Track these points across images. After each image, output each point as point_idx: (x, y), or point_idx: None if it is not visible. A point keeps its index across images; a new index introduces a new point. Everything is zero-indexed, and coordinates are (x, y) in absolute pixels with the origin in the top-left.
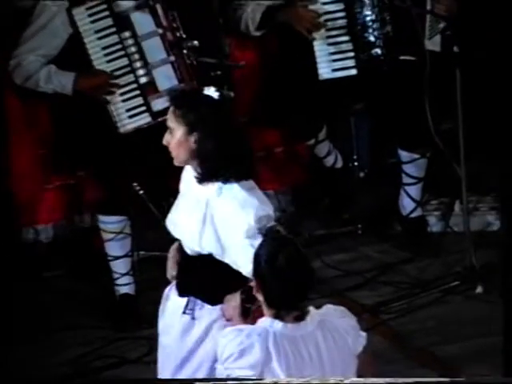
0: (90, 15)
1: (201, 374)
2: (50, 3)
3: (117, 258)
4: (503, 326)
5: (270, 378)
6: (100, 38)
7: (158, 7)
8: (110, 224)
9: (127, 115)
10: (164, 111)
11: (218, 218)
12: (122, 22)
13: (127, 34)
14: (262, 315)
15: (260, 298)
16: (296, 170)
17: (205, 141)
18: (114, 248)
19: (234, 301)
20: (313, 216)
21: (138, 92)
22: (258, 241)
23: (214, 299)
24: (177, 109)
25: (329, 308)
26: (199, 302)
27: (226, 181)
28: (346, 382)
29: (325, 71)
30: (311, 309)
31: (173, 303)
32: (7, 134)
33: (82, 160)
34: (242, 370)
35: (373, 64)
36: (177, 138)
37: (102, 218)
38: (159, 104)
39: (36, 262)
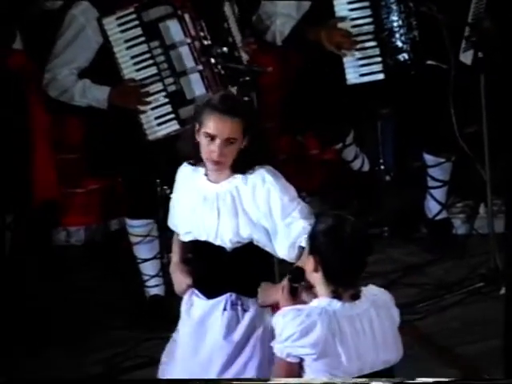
0: (120, 25)
1: (252, 368)
2: (77, 14)
3: (145, 260)
4: (504, 326)
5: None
6: (129, 48)
7: (187, 16)
8: (137, 228)
9: (156, 123)
10: None
11: (248, 204)
12: (151, 32)
13: (156, 43)
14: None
15: (317, 276)
16: (324, 173)
17: (254, 139)
18: (142, 251)
19: (282, 283)
20: None
21: (166, 100)
22: (294, 220)
23: (253, 290)
24: (241, 120)
25: (374, 288)
26: (237, 295)
27: (253, 169)
28: (348, 381)
29: (352, 76)
30: (362, 288)
31: (202, 307)
32: (35, 137)
33: (113, 165)
34: (303, 348)
35: (400, 69)
36: (238, 145)
37: (129, 221)
38: (187, 112)
39: (68, 263)
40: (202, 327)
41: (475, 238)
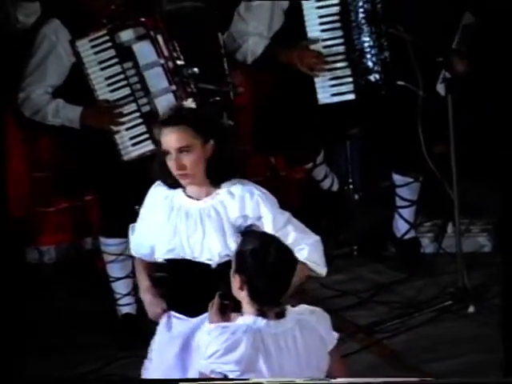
0: (93, 46)
1: None
2: (48, 33)
3: (118, 279)
4: (503, 326)
5: (254, 376)
6: (103, 69)
7: (159, 38)
8: (112, 246)
9: (131, 143)
10: None
11: (236, 217)
12: (125, 53)
13: (129, 64)
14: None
15: (242, 294)
16: (293, 192)
17: (220, 146)
18: (115, 269)
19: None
20: None
21: (140, 120)
22: (287, 232)
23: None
24: (188, 126)
25: (304, 307)
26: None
27: (230, 179)
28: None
29: (323, 96)
30: (288, 307)
31: (184, 327)
32: (6, 156)
33: (85, 184)
34: (227, 365)
35: (370, 89)
36: (197, 153)
37: (103, 240)
38: None
39: (40, 282)
40: (189, 347)
41: (443, 257)
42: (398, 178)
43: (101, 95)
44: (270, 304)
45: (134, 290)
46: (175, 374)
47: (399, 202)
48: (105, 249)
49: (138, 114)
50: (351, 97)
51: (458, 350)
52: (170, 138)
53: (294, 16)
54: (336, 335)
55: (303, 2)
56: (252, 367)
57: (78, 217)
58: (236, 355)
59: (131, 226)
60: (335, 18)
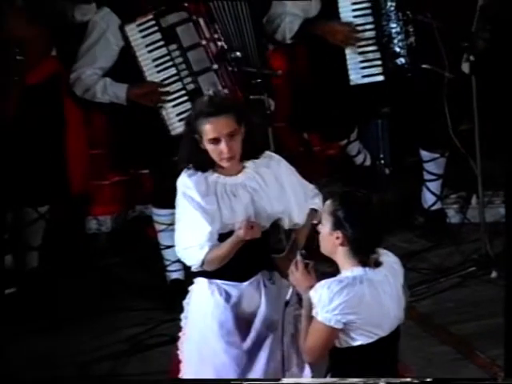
0: (141, 31)
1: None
2: (98, 20)
3: (168, 247)
4: (505, 325)
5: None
6: (150, 51)
7: (201, 21)
8: (163, 216)
9: (177, 119)
10: None
11: (273, 184)
12: (169, 36)
13: (174, 46)
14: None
15: (341, 249)
16: (323, 167)
17: (250, 126)
18: (165, 238)
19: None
20: None
21: (186, 98)
22: (307, 185)
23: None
24: (231, 113)
25: (383, 251)
26: (268, 272)
27: (261, 153)
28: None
29: (355, 77)
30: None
31: (236, 292)
32: (66, 135)
33: (138, 159)
34: (352, 315)
35: (398, 72)
36: (240, 136)
37: (155, 211)
38: None
39: (98, 250)
40: (246, 308)
41: (468, 227)
42: (425, 154)
43: (149, 76)
44: (369, 254)
45: None
46: (232, 337)
47: (427, 176)
48: (156, 219)
49: (183, 92)
50: (380, 78)
51: (481, 313)
52: (221, 126)
53: (329, 3)
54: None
55: None
56: (372, 314)
57: (130, 189)
58: (361, 305)
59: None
60: (367, 5)
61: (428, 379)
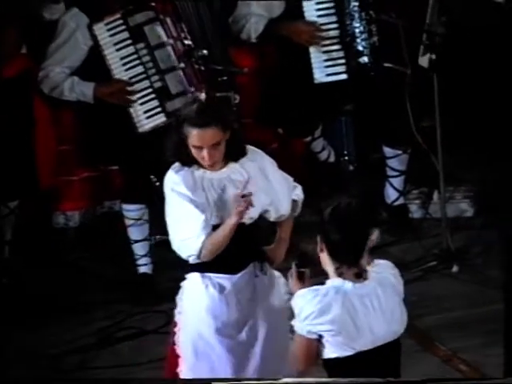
0: (109, 30)
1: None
2: (68, 19)
3: (137, 241)
4: (504, 324)
5: (346, 336)
6: (118, 50)
7: (168, 20)
8: (131, 212)
9: (145, 116)
10: (177, 111)
11: (259, 178)
12: (137, 35)
13: (142, 45)
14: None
15: (323, 256)
16: (298, 162)
17: (235, 132)
18: (134, 232)
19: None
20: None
21: (153, 96)
22: (288, 178)
23: (263, 255)
24: (217, 126)
25: (379, 263)
26: (258, 263)
27: (245, 154)
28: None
29: (319, 76)
30: (368, 268)
31: (227, 283)
32: (35, 132)
33: (106, 155)
34: (322, 325)
35: (361, 70)
36: (223, 144)
37: (124, 206)
38: (173, 105)
39: (66, 245)
40: (240, 299)
41: (429, 222)
42: (388, 151)
43: (116, 74)
44: (348, 263)
45: (150, 252)
46: (226, 327)
47: (389, 172)
48: (126, 214)
49: (150, 90)
50: (344, 77)
51: (443, 306)
52: (206, 138)
53: (293, 2)
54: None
55: None
56: (345, 327)
57: (98, 185)
58: (330, 315)
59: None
60: (330, 4)
61: (427, 379)
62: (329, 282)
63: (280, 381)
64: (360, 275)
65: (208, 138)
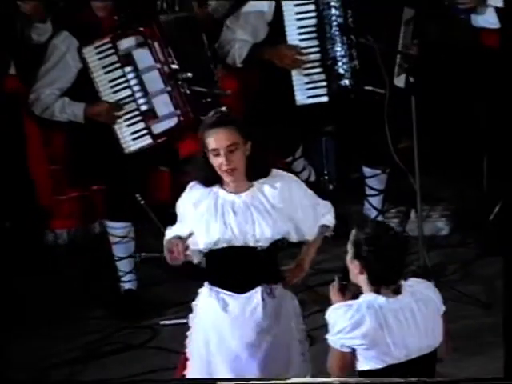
0: (98, 53)
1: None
2: (58, 43)
3: (122, 258)
4: (503, 326)
5: (379, 350)
6: (106, 73)
7: (156, 45)
8: (117, 229)
9: (131, 138)
10: (163, 133)
11: (277, 202)
12: (125, 59)
13: (129, 68)
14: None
15: (361, 278)
16: None
17: (256, 145)
18: (119, 250)
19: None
20: None
21: (139, 118)
22: (318, 202)
23: (277, 277)
24: (234, 127)
25: (413, 280)
26: (267, 286)
27: (268, 173)
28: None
29: (301, 98)
30: (402, 282)
31: (236, 302)
32: (26, 151)
33: (93, 176)
34: (354, 339)
35: (342, 93)
36: (241, 151)
37: (109, 224)
38: (159, 127)
39: (54, 261)
40: (241, 318)
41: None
42: (367, 170)
43: (104, 96)
44: (387, 284)
45: (135, 269)
46: (229, 345)
47: (368, 191)
48: (111, 231)
49: (137, 113)
50: (325, 99)
51: None
52: (221, 137)
53: (276, 27)
54: (440, 299)
55: (285, 14)
56: (377, 340)
57: (87, 204)
58: (362, 330)
59: (168, 227)
60: (312, 29)
61: (427, 379)
62: (361, 298)
63: (285, 381)
64: (398, 290)
65: (223, 138)
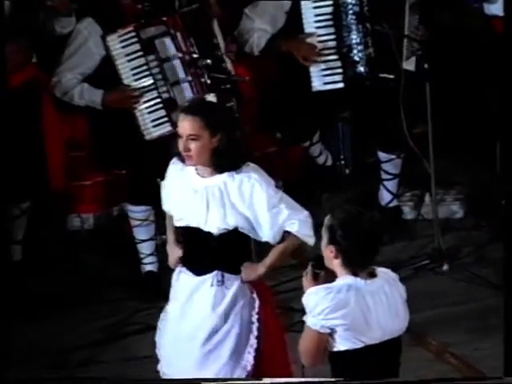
0: (121, 41)
1: (233, 335)
2: (82, 28)
3: (143, 241)
4: (504, 326)
5: (358, 331)
6: (129, 61)
7: (178, 34)
8: (138, 213)
9: (152, 125)
10: None
11: (235, 197)
12: (148, 47)
13: (152, 57)
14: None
15: (336, 262)
16: (296, 165)
17: (226, 139)
18: (140, 233)
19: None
20: (306, 206)
21: (160, 106)
22: (280, 210)
23: (235, 268)
24: (200, 118)
25: (381, 268)
26: (222, 273)
27: (237, 168)
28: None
29: (317, 84)
30: (375, 267)
31: (190, 282)
32: (44, 137)
33: (116, 161)
34: (336, 320)
35: (357, 80)
36: (203, 142)
37: (130, 207)
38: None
39: (79, 246)
40: (190, 300)
41: (422, 223)
42: (382, 155)
43: (127, 83)
44: (362, 267)
45: (157, 251)
46: (175, 321)
47: (384, 176)
48: (131, 215)
49: (158, 100)
50: (341, 85)
51: (434, 303)
52: (183, 125)
53: (294, 15)
54: (404, 288)
55: (302, 2)
56: (356, 321)
57: (110, 188)
58: (344, 310)
59: (163, 182)
60: (328, 17)
61: (427, 379)
62: (340, 280)
63: (284, 380)
64: (373, 274)
65: (187, 127)
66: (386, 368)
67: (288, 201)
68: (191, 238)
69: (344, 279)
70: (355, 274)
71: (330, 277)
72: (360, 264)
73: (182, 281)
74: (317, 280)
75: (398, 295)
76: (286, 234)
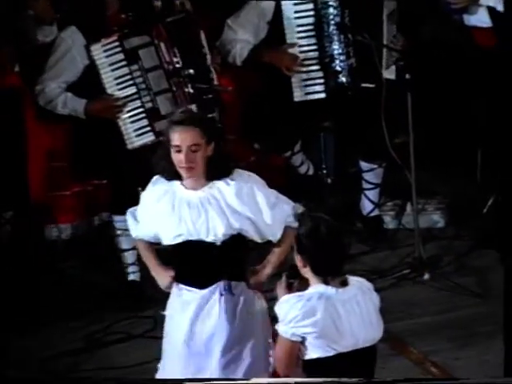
0: (105, 51)
1: (249, 348)
2: (65, 37)
3: (125, 250)
4: (504, 328)
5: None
6: (113, 70)
7: (162, 45)
8: (119, 222)
9: (134, 134)
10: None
11: (233, 201)
12: (132, 57)
13: (136, 67)
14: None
15: (306, 270)
16: (275, 175)
17: (218, 147)
18: (122, 242)
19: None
20: None
21: (143, 115)
22: (278, 204)
23: (240, 274)
24: (198, 128)
25: (354, 277)
26: (229, 282)
27: (229, 174)
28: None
29: (299, 94)
30: (348, 276)
31: (196, 297)
32: (26, 149)
33: (97, 170)
34: (306, 327)
35: (339, 90)
36: (203, 151)
37: (113, 217)
38: (162, 125)
39: (57, 255)
40: (201, 314)
41: (403, 232)
42: (364, 165)
43: (110, 93)
44: (332, 275)
45: (139, 260)
46: (186, 338)
47: (365, 185)
48: (114, 224)
49: (141, 110)
50: (323, 95)
51: (415, 312)
52: (185, 136)
53: (276, 26)
54: (378, 297)
55: (284, 13)
56: (327, 329)
57: (89, 198)
58: (313, 319)
59: (129, 211)
60: (310, 27)
61: (427, 378)
62: (311, 289)
63: (285, 380)
64: (345, 283)
65: (188, 138)
66: (360, 377)
67: (281, 196)
68: (191, 252)
69: (316, 288)
70: (326, 283)
71: (304, 286)
72: (327, 273)
73: (186, 297)
74: (290, 289)
75: (371, 304)
76: (285, 230)
